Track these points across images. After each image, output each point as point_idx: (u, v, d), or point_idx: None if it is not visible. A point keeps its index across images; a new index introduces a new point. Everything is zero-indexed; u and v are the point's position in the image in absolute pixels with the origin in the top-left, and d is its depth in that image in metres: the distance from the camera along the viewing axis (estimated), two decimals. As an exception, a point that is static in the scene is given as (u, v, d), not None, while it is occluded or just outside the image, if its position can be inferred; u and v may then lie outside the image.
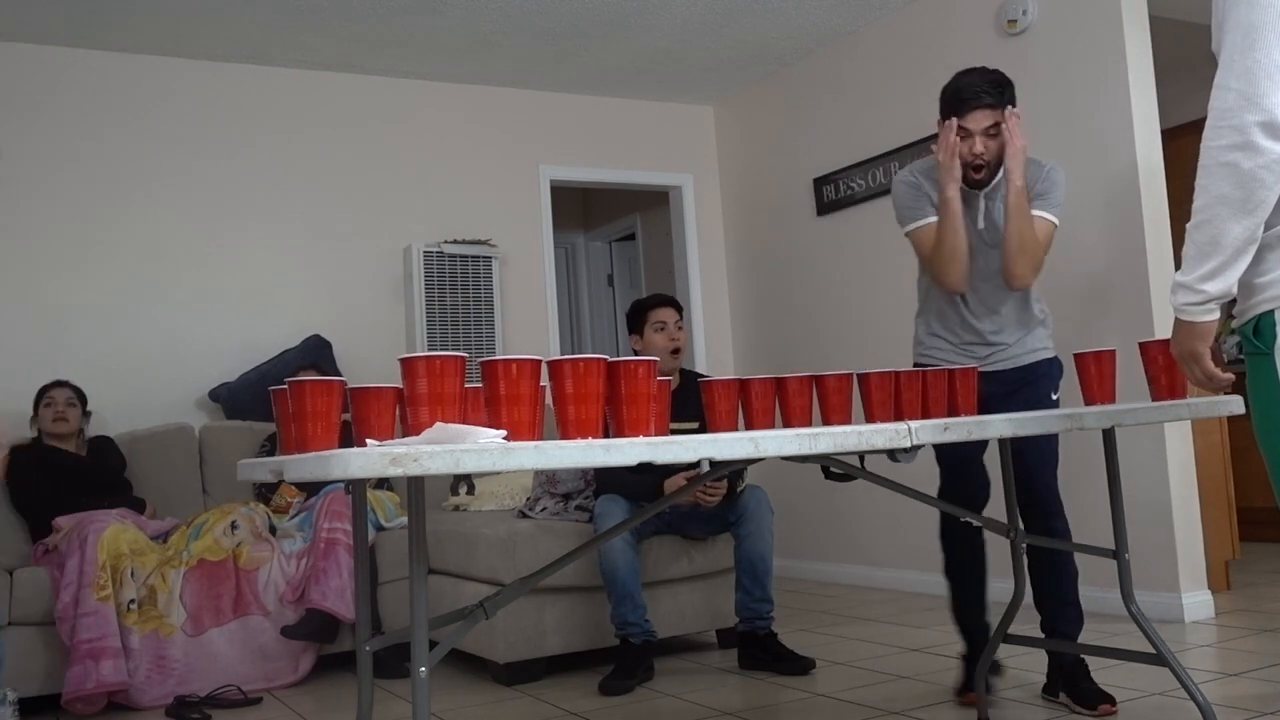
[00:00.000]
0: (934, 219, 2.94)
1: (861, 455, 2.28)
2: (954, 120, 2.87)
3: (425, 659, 1.71)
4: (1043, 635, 2.95)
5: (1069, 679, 2.92)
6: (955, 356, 2.98)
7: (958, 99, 2.89)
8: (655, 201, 6.77)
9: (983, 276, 2.95)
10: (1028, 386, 2.94)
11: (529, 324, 5.69)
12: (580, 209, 7.83)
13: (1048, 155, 4.35)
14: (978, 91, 2.86)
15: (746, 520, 3.64)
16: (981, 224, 2.94)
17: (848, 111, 5.40)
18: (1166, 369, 2.42)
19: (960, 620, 3.11)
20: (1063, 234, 4.26)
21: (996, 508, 2.91)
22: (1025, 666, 3.30)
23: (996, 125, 2.86)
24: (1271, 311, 1.53)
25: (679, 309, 3.86)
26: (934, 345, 3.04)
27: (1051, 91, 4.32)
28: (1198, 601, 3.92)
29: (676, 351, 3.76)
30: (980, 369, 2.70)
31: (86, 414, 4.25)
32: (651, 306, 3.84)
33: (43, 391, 4.17)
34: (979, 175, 2.89)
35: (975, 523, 2.77)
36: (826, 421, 2.16)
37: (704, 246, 6.29)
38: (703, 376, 3.72)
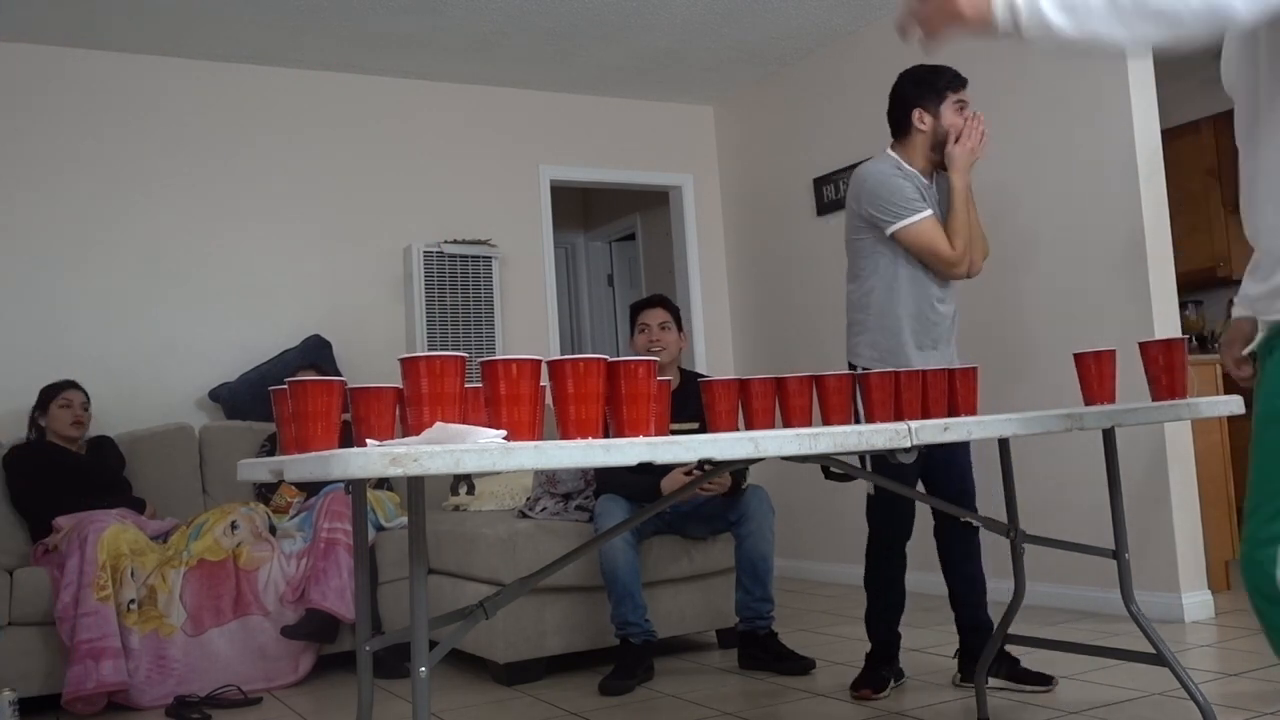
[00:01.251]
0: (931, 211, 3.02)
1: (862, 455, 2.29)
2: (967, 108, 3.04)
3: (425, 659, 1.71)
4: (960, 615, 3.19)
5: (1001, 659, 3.04)
6: (922, 359, 3.01)
7: (955, 76, 3.06)
8: (655, 201, 6.77)
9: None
10: None
11: (529, 324, 5.69)
12: (580, 209, 7.83)
13: (1049, 155, 4.37)
14: (956, 71, 3.08)
15: (747, 520, 3.64)
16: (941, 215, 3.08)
17: (848, 111, 5.40)
18: (1166, 369, 2.42)
19: (872, 627, 3.23)
20: (1063, 233, 4.28)
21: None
22: (1026, 666, 3.30)
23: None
24: None
25: (670, 309, 3.84)
26: (907, 347, 3.04)
27: (1051, 91, 4.32)
28: (1198, 601, 3.92)
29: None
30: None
31: (89, 413, 4.25)
32: (638, 309, 3.86)
33: (56, 391, 4.15)
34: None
35: (975, 523, 2.77)
36: (826, 421, 2.16)
37: (704, 246, 6.29)
38: (703, 376, 3.73)
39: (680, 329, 3.85)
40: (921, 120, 3.04)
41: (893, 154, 3.10)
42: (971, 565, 3.21)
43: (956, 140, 3.01)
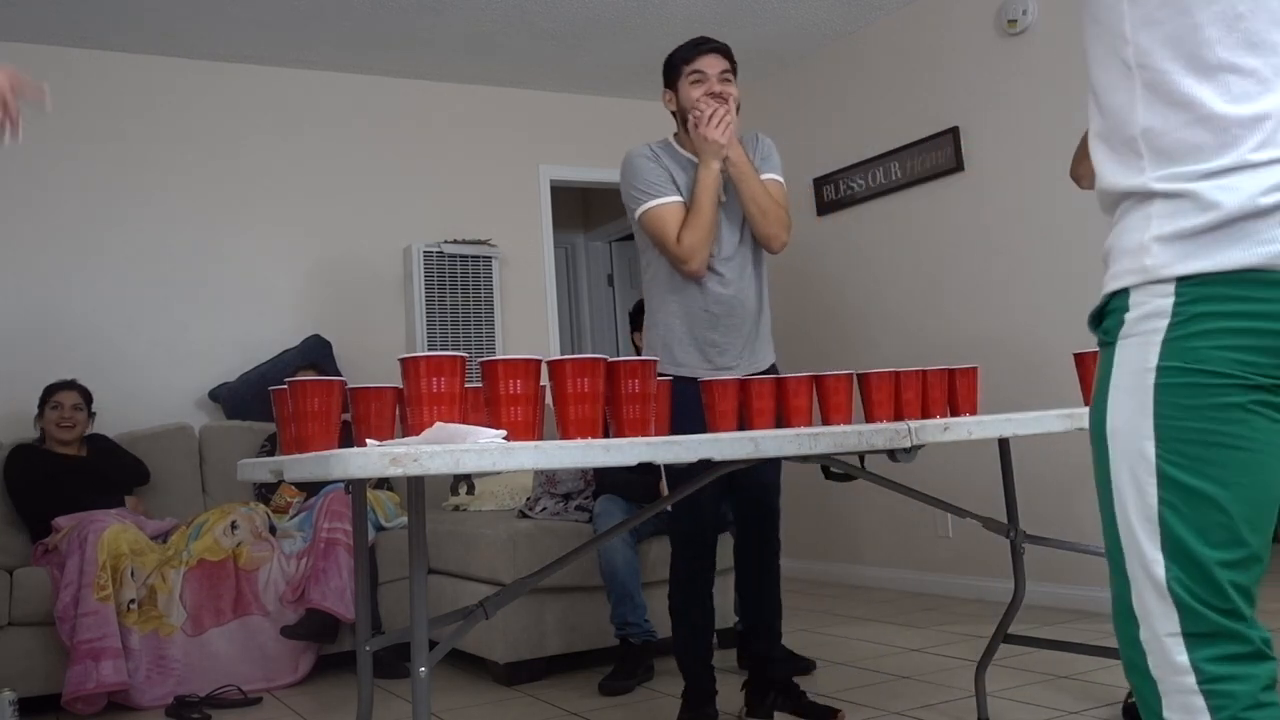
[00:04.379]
0: (677, 198, 2.79)
1: (861, 455, 2.28)
2: (707, 81, 2.79)
3: (425, 659, 1.71)
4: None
5: (787, 692, 2.95)
6: (700, 363, 2.85)
7: (688, 46, 2.85)
8: (655, 201, 6.75)
9: (727, 257, 2.85)
10: None
11: (529, 324, 5.69)
12: (580, 209, 7.83)
13: (1048, 156, 4.37)
14: (705, 38, 2.86)
15: (747, 520, 3.63)
16: (724, 197, 2.82)
17: (848, 111, 5.40)
18: (1166, 369, 2.41)
19: (682, 661, 2.95)
20: (1062, 234, 4.28)
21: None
22: (1026, 666, 3.30)
23: (729, 72, 2.83)
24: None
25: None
26: (683, 354, 2.85)
27: (1051, 91, 4.32)
28: (1198, 601, 3.91)
29: None
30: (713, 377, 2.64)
31: (91, 415, 4.23)
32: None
33: (50, 392, 4.14)
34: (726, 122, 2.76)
35: (978, 522, 2.77)
36: (826, 421, 2.16)
37: (704, 246, 6.28)
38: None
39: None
40: (670, 101, 2.89)
41: (671, 138, 2.94)
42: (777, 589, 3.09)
43: (696, 123, 2.75)
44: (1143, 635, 1.11)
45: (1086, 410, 2.29)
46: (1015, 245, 4.51)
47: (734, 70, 2.88)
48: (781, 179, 2.93)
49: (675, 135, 2.95)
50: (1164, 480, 1.09)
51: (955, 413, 2.30)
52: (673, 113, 2.92)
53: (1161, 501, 1.09)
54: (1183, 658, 1.08)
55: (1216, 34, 1.09)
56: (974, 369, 2.38)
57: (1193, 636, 1.07)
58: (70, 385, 4.18)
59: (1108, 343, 1.19)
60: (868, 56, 5.27)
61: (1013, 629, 2.83)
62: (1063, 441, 4.09)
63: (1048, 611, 4.10)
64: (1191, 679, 1.07)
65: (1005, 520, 2.76)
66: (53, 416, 4.10)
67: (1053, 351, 4.22)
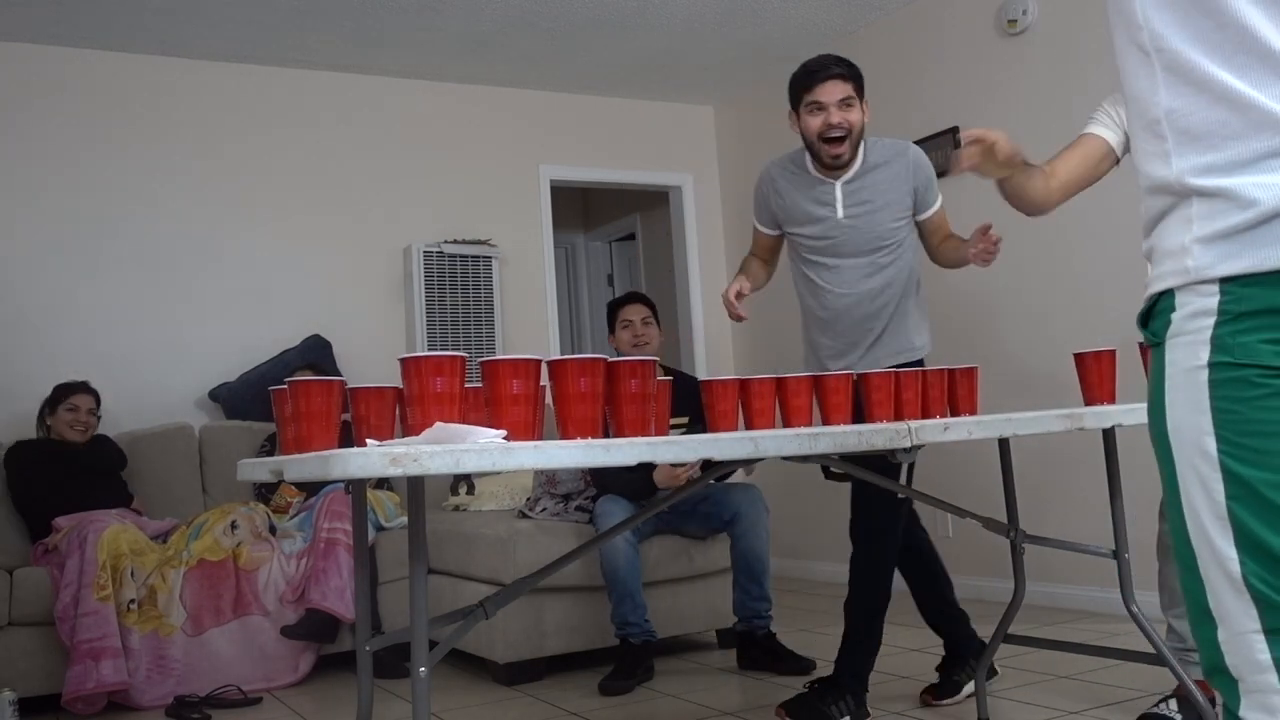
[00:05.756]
0: (763, 228, 3.08)
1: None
2: (815, 122, 2.80)
3: (425, 659, 1.70)
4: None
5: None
6: (812, 362, 3.03)
7: (806, 73, 2.82)
8: (655, 201, 6.77)
9: (836, 268, 2.95)
10: None
11: (529, 324, 5.69)
12: (580, 209, 7.83)
13: (1048, 156, 4.36)
14: (826, 63, 2.81)
15: (740, 519, 3.64)
16: (842, 213, 2.85)
17: (848, 111, 5.40)
18: (1166, 369, 2.41)
19: (932, 622, 3.15)
20: (1062, 235, 4.28)
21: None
22: (1026, 666, 3.30)
23: (851, 98, 2.80)
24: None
25: (650, 305, 3.86)
26: (805, 350, 3.08)
27: (1051, 91, 4.32)
28: (1198, 601, 3.91)
29: (640, 349, 3.75)
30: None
31: (98, 417, 4.24)
32: (619, 305, 3.88)
33: (65, 393, 4.13)
34: (840, 150, 2.80)
35: (978, 522, 2.77)
36: (826, 421, 2.16)
37: (704, 246, 6.29)
38: (677, 371, 3.76)
39: (659, 325, 3.86)
40: (795, 124, 2.89)
41: (804, 156, 2.95)
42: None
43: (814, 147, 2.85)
44: (1221, 636, 1.08)
45: (1087, 410, 2.30)
46: (1014, 245, 4.49)
47: (860, 87, 2.83)
48: (939, 202, 2.97)
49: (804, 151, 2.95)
50: (1228, 475, 1.07)
51: (955, 413, 2.30)
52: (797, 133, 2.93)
53: (1229, 496, 1.06)
54: (1264, 656, 1.04)
55: (1228, 18, 1.06)
56: (974, 369, 2.38)
57: (1274, 633, 1.04)
58: (86, 389, 4.17)
59: (1156, 343, 1.18)
60: (868, 56, 5.24)
61: (1013, 629, 2.82)
62: (1063, 441, 4.11)
63: (1048, 611, 4.10)
64: (1274, 677, 1.04)
65: (1005, 520, 2.75)
66: (67, 418, 4.09)
67: (1053, 351, 4.22)
